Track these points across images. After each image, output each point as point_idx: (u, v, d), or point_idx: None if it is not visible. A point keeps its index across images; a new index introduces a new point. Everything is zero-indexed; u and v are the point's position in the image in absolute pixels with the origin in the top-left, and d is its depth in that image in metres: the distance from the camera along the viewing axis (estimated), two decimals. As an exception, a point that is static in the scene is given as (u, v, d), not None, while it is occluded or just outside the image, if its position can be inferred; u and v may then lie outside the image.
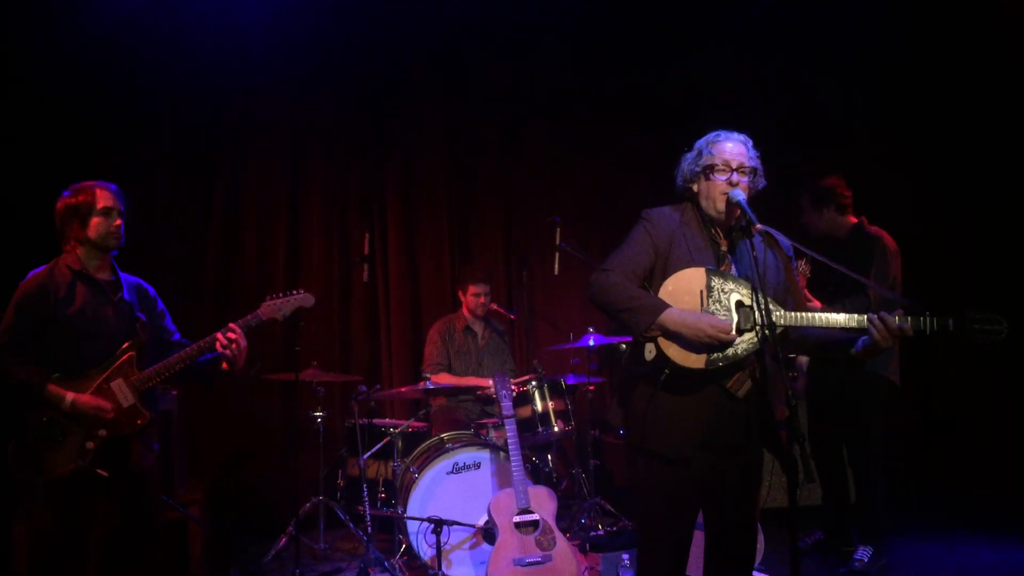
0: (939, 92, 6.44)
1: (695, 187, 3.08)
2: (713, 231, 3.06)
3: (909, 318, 2.80)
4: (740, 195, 2.94)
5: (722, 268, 2.99)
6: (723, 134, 3.07)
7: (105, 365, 3.43)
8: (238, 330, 3.50)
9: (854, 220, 4.91)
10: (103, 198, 3.51)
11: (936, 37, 6.31)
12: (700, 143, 3.09)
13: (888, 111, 6.65)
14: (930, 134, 6.52)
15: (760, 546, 4.24)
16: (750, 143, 3.07)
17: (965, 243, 6.48)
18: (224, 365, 3.54)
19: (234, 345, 3.47)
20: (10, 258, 4.51)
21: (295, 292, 3.76)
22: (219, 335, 3.47)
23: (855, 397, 4.77)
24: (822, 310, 2.92)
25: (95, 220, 3.49)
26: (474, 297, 5.87)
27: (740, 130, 3.11)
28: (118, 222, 3.54)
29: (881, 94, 6.66)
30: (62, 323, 3.41)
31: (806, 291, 4.55)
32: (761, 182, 3.05)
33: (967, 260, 6.43)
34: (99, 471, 3.34)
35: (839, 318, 2.86)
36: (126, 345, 3.47)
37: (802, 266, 4.61)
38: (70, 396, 3.34)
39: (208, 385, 3.73)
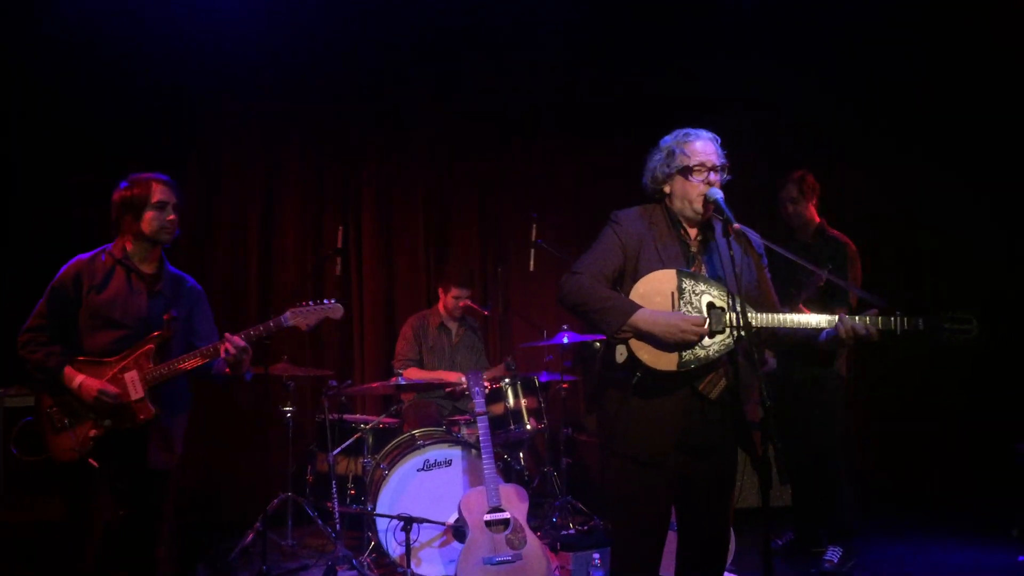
0: (925, 90, 6.47)
1: (667, 188, 3.05)
2: (682, 232, 3.04)
3: (880, 318, 2.82)
4: (718, 193, 2.94)
5: (692, 269, 2.98)
6: (691, 133, 3.05)
7: (124, 355, 3.41)
8: (237, 342, 3.43)
9: (818, 220, 4.93)
10: (158, 192, 3.51)
11: (925, 34, 6.35)
12: (668, 143, 3.06)
13: (868, 111, 6.67)
14: (914, 135, 6.54)
15: (731, 547, 4.23)
16: (718, 140, 3.06)
17: (948, 244, 6.51)
18: (227, 370, 3.51)
19: (232, 356, 3.43)
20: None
21: (326, 302, 3.71)
22: (221, 347, 3.44)
23: (816, 397, 4.79)
24: (791, 312, 2.92)
25: (149, 214, 3.49)
26: (454, 299, 5.85)
27: (718, 130, 3.10)
28: (172, 216, 3.53)
29: (863, 93, 6.67)
30: (90, 309, 3.42)
31: (801, 305, 4.55)
32: (727, 177, 3.04)
33: (948, 261, 6.46)
34: (90, 461, 3.33)
35: (810, 319, 2.88)
36: (148, 337, 3.44)
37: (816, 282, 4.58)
38: (79, 379, 3.35)
39: (222, 385, 3.70)
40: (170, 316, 3.48)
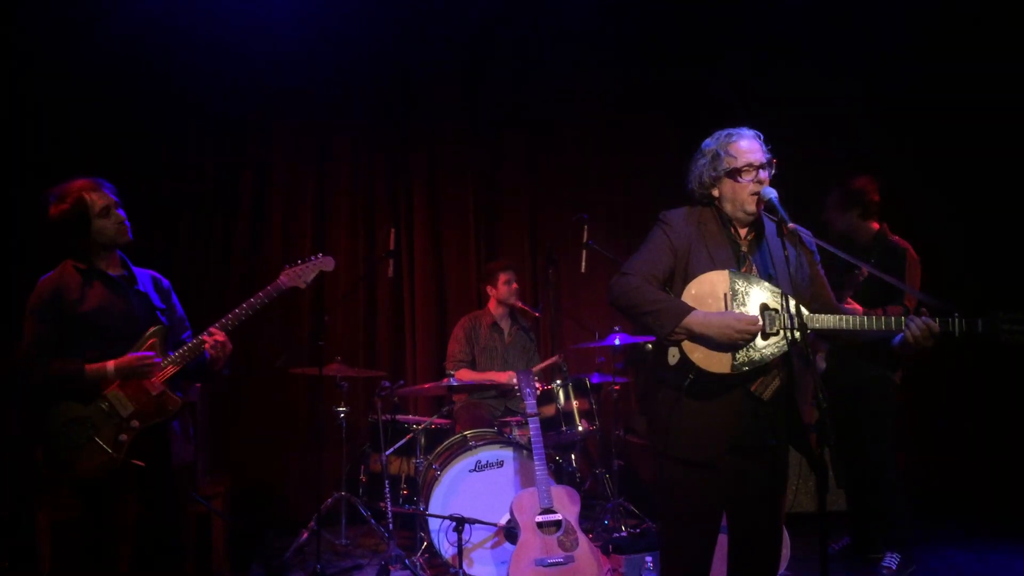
0: (960, 94, 6.33)
1: (715, 191, 3.02)
2: (732, 231, 3.01)
3: (938, 319, 2.76)
4: (772, 193, 2.90)
5: (743, 269, 2.95)
6: (734, 133, 3.01)
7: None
8: (220, 335, 3.45)
9: (876, 227, 4.83)
10: (96, 201, 3.38)
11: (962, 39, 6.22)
12: (711, 146, 3.03)
13: (908, 115, 6.55)
14: (951, 139, 6.40)
15: (786, 551, 4.18)
16: (761, 136, 3.03)
17: (986, 246, 6.35)
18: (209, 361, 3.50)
19: (218, 348, 3.43)
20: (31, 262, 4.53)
21: (314, 257, 3.74)
22: (205, 338, 3.43)
23: (868, 403, 4.71)
24: (850, 313, 2.87)
25: (98, 225, 3.38)
26: (506, 285, 5.87)
27: (765, 129, 3.06)
28: (121, 217, 3.43)
29: (903, 97, 6.55)
30: (81, 323, 3.32)
31: (849, 299, 4.49)
32: (774, 172, 3.01)
33: (988, 264, 6.30)
34: (136, 462, 3.29)
35: (869, 320, 2.82)
36: (150, 331, 3.41)
37: (857, 276, 4.53)
38: (111, 364, 3.28)
39: (210, 381, 3.69)
40: (160, 309, 3.49)
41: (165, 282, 3.65)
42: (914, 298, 4.39)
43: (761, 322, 2.79)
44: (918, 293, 2.93)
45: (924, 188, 6.35)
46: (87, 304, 3.35)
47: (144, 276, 3.57)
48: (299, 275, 3.69)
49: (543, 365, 5.77)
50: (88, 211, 3.36)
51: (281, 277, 3.67)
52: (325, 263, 3.76)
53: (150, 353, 3.33)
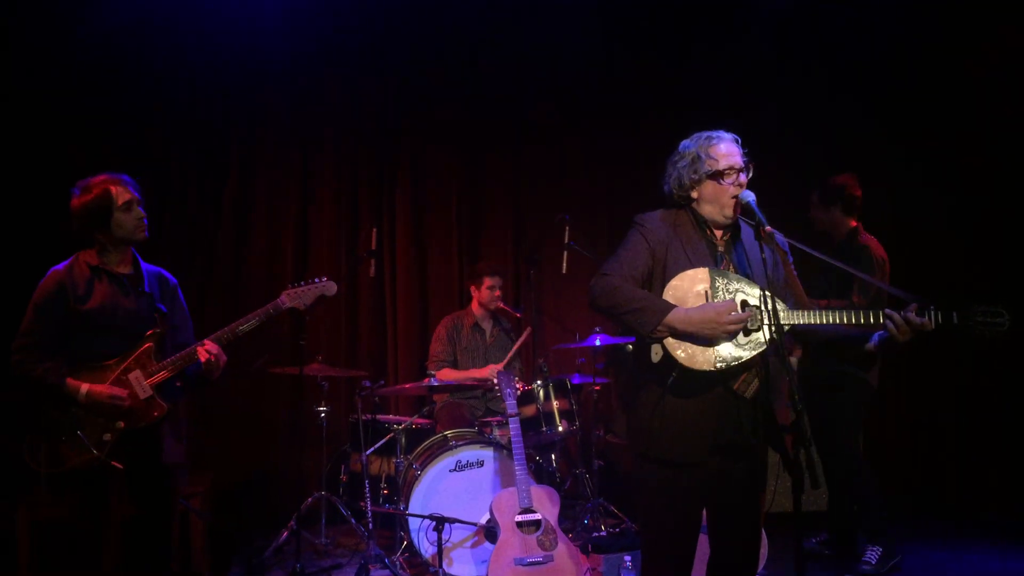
0: (955, 89, 6.40)
1: (695, 193, 3.03)
2: (708, 232, 3.03)
3: (914, 312, 2.79)
4: (750, 196, 2.92)
5: (721, 267, 2.97)
6: (714, 136, 3.03)
7: (123, 357, 3.42)
8: (214, 347, 3.48)
9: (853, 224, 4.90)
10: (120, 194, 3.45)
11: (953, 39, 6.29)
12: (691, 148, 3.04)
13: (904, 112, 6.61)
14: (944, 132, 6.47)
15: (764, 550, 4.21)
16: (739, 139, 3.05)
17: (979, 242, 6.42)
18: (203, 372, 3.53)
19: (212, 359, 3.46)
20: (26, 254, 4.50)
21: (317, 280, 3.76)
22: (199, 349, 3.46)
23: (838, 397, 4.76)
24: (829, 308, 2.89)
25: (118, 218, 3.45)
26: (489, 290, 5.87)
27: (751, 129, 3.08)
28: (141, 214, 3.50)
29: (898, 94, 6.62)
30: (81, 319, 3.39)
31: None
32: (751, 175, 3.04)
33: (981, 259, 6.37)
34: (114, 463, 3.32)
35: (847, 315, 2.84)
36: (147, 334, 3.45)
37: None
38: (84, 387, 3.33)
39: (200, 386, 3.70)
40: (160, 312, 3.52)
41: (172, 280, 3.69)
42: (865, 299, 4.48)
43: (745, 312, 2.82)
44: (896, 289, 2.94)
45: (922, 186, 6.44)
46: (92, 301, 3.41)
47: (151, 275, 3.60)
48: (299, 296, 3.71)
49: (519, 343, 5.78)
50: (111, 204, 3.43)
51: (282, 296, 3.70)
52: (327, 287, 3.77)
53: (123, 393, 3.36)
